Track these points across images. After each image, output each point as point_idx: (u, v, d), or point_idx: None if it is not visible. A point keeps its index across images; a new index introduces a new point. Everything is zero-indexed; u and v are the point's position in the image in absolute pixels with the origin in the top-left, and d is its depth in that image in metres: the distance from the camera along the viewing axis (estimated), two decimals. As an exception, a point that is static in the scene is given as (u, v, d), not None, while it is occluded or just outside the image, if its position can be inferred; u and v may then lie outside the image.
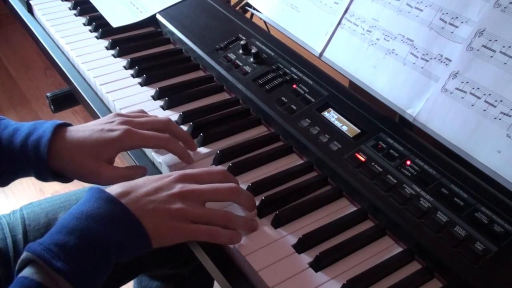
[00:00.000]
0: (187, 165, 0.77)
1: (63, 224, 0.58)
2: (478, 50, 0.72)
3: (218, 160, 0.77)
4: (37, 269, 0.54)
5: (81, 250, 0.56)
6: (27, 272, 0.55)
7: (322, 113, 0.81)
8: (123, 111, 0.87)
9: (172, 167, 0.76)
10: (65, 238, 0.56)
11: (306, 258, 0.65)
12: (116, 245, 0.58)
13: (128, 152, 0.82)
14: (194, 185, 0.65)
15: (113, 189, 0.62)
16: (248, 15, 1.11)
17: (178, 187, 0.64)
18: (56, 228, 0.58)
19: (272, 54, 0.93)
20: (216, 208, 0.66)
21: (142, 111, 0.82)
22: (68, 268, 0.54)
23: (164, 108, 0.89)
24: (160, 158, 0.78)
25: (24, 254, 0.56)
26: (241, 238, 0.65)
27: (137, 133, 0.73)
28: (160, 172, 0.79)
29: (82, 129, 0.73)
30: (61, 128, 0.73)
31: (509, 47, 0.69)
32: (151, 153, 0.80)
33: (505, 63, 0.69)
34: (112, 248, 0.57)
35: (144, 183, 0.64)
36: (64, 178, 0.74)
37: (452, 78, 0.74)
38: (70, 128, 0.74)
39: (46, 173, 0.71)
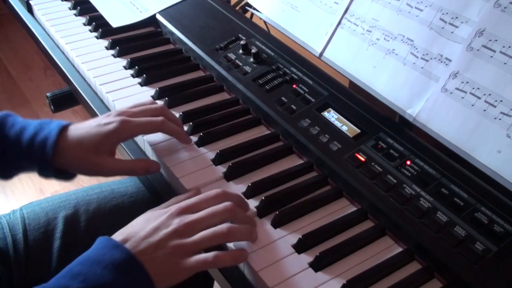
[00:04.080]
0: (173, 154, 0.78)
1: (69, 269, 0.59)
2: (478, 50, 0.72)
3: (218, 161, 0.77)
4: None
5: None
6: None
7: (322, 113, 0.80)
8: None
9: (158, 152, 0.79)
10: (69, 282, 0.57)
11: (306, 258, 0.65)
12: None
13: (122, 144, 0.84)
14: (191, 216, 0.64)
15: (116, 237, 0.63)
16: (248, 15, 1.11)
17: (175, 223, 0.63)
18: (62, 273, 0.59)
19: (272, 54, 0.93)
20: (214, 228, 0.65)
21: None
22: None
23: (164, 108, 0.89)
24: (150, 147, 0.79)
25: None
26: (247, 255, 0.64)
27: (133, 122, 0.75)
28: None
29: (81, 126, 0.76)
30: (64, 128, 0.75)
31: (509, 47, 0.69)
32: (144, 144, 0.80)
33: (505, 63, 0.69)
34: None
35: (143, 226, 0.64)
36: (66, 175, 0.77)
37: (452, 78, 0.74)
38: (71, 127, 0.76)
39: (50, 171, 0.74)
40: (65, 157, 0.74)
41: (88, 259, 0.59)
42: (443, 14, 0.77)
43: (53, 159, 0.73)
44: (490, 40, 0.71)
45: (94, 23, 1.09)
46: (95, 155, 0.73)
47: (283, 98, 0.84)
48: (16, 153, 0.74)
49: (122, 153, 0.86)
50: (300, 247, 0.65)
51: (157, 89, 0.91)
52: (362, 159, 0.73)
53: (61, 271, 0.59)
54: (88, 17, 1.11)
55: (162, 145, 0.81)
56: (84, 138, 0.74)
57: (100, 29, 1.06)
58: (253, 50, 0.91)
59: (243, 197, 0.72)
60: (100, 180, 0.90)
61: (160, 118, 0.77)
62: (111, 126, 0.74)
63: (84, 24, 1.11)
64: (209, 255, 0.62)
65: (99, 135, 0.74)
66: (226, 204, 0.66)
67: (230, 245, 0.66)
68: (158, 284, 0.60)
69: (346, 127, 0.78)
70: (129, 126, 0.75)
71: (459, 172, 0.69)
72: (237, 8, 1.15)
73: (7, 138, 0.75)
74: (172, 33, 1.04)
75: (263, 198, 0.70)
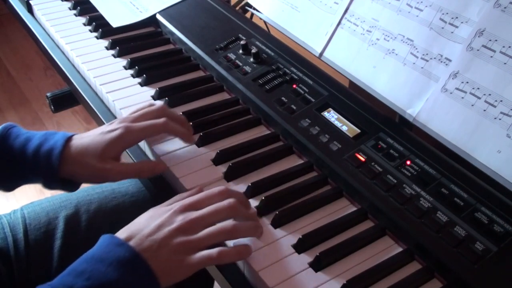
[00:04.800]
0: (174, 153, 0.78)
1: (73, 267, 0.59)
2: (478, 50, 0.72)
3: (218, 161, 0.78)
4: None
5: None
6: None
7: (322, 113, 0.81)
8: (124, 111, 0.87)
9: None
10: (74, 280, 0.57)
11: (306, 258, 0.65)
12: (123, 286, 0.58)
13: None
14: (194, 213, 0.64)
15: (120, 234, 0.63)
16: (248, 15, 1.11)
17: (178, 220, 0.63)
18: (66, 271, 0.59)
19: (272, 54, 0.93)
20: (218, 225, 0.65)
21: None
22: None
23: (164, 108, 0.89)
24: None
25: None
26: (250, 250, 0.65)
27: (135, 127, 0.76)
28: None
29: (85, 135, 0.77)
30: (69, 138, 0.76)
31: (509, 47, 0.69)
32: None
33: (505, 63, 0.69)
34: None
35: (146, 223, 0.64)
36: (71, 186, 0.78)
37: (452, 78, 0.74)
38: (75, 136, 0.77)
39: (55, 182, 0.75)
40: (71, 167, 0.74)
41: (92, 257, 0.59)
42: (443, 14, 0.77)
43: (59, 170, 0.73)
44: (490, 40, 0.71)
45: (94, 23, 1.09)
46: (101, 162, 0.74)
47: (283, 98, 0.84)
48: (21, 164, 0.75)
49: (123, 154, 0.86)
50: (300, 247, 0.65)
51: (157, 89, 0.91)
52: (362, 159, 0.73)
53: (65, 270, 0.59)
54: (88, 17, 1.11)
55: (162, 145, 0.81)
56: (89, 146, 0.74)
57: (100, 29, 1.06)
58: (253, 50, 0.91)
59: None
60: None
61: (162, 120, 0.77)
62: (115, 133, 0.75)
63: (84, 24, 1.11)
64: (213, 251, 0.62)
65: (103, 142, 0.74)
66: (230, 201, 0.66)
67: (229, 243, 0.66)
68: (163, 281, 0.60)
69: (346, 127, 0.78)
70: (133, 132, 0.76)
71: (459, 172, 0.69)
72: (237, 8, 1.15)
73: (12, 150, 0.75)
74: (172, 33, 1.04)
75: (263, 198, 0.71)
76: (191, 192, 0.70)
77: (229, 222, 0.65)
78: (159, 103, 0.84)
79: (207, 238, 0.63)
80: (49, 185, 0.76)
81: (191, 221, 0.63)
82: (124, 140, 0.75)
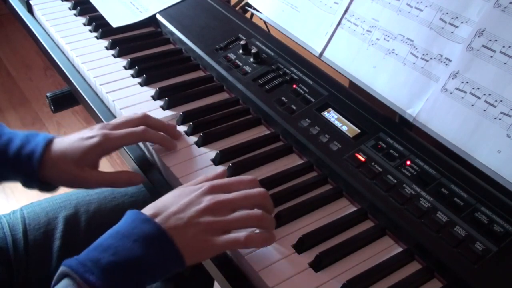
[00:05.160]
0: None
1: (100, 242, 0.59)
2: (478, 50, 0.72)
3: (218, 160, 0.78)
4: (72, 282, 0.56)
5: (115, 267, 0.56)
6: (62, 285, 0.56)
7: (322, 113, 0.81)
8: (124, 111, 0.87)
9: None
10: (100, 255, 0.57)
11: (306, 258, 0.65)
12: (149, 262, 0.58)
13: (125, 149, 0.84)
14: (223, 195, 0.64)
15: (146, 211, 0.63)
16: (248, 15, 1.11)
17: (206, 200, 0.63)
18: (93, 245, 0.59)
19: (272, 54, 0.93)
20: (247, 211, 0.65)
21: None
22: (100, 283, 0.55)
23: (164, 108, 0.89)
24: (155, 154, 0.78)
25: (61, 269, 0.57)
26: (274, 238, 0.65)
27: (114, 134, 0.76)
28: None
29: (65, 140, 0.77)
30: (50, 141, 0.76)
31: (509, 47, 0.69)
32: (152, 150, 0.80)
33: (505, 63, 0.69)
34: (145, 265, 0.58)
35: (174, 201, 0.64)
36: (49, 187, 0.78)
37: (452, 78, 0.74)
38: (56, 139, 0.77)
39: (34, 183, 0.76)
40: (49, 171, 0.75)
41: (118, 232, 0.59)
42: (443, 14, 0.77)
43: (38, 172, 0.74)
44: (490, 40, 0.71)
45: (94, 23, 1.09)
46: (77, 169, 0.74)
47: (283, 98, 0.84)
48: (1, 164, 0.75)
49: (123, 154, 0.86)
50: (300, 247, 0.65)
51: (157, 89, 0.91)
52: (362, 159, 0.73)
53: (90, 246, 0.59)
54: (88, 17, 1.11)
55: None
56: (67, 152, 0.74)
57: (100, 29, 1.06)
58: (253, 50, 0.91)
59: None
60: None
61: (140, 128, 0.77)
62: (93, 140, 0.75)
63: (84, 24, 1.11)
64: (241, 235, 0.62)
65: (81, 149, 0.74)
66: (260, 189, 0.66)
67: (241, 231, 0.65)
68: (188, 260, 0.60)
69: (346, 127, 0.78)
70: (111, 139, 0.75)
71: (459, 172, 0.69)
72: (237, 8, 1.15)
73: None
74: (172, 33, 1.04)
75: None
76: (217, 174, 0.70)
77: (258, 211, 0.65)
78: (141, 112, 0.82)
79: (235, 222, 0.63)
80: (28, 185, 0.77)
81: (220, 202, 0.63)
82: (102, 147, 0.75)
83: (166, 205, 0.63)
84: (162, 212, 0.62)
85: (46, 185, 0.77)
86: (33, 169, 0.74)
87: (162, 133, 0.79)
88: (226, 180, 0.68)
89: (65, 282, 0.56)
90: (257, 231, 0.66)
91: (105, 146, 0.75)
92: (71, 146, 0.75)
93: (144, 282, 0.59)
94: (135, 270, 0.57)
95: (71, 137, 0.77)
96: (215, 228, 0.62)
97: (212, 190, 0.65)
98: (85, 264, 0.56)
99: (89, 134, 0.76)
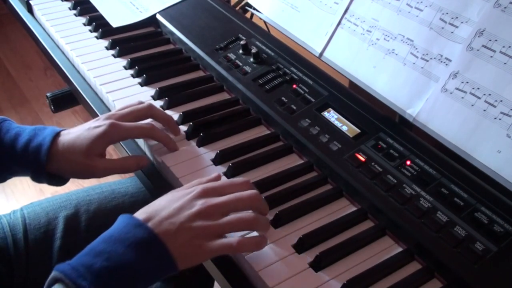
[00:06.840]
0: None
1: (92, 247, 0.59)
2: (478, 50, 0.72)
3: (218, 160, 0.78)
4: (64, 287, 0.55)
5: (107, 272, 0.56)
6: None
7: (322, 113, 0.81)
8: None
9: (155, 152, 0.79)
10: (92, 260, 0.57)
11: (306, 258, 0.65)
12: (141, 267, 0.58)
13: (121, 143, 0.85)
14: (215, 199, 0.64)
15: (138, 215, 0.63)
16: (248, 15, 1.11)
17: (199, 204, 0.63)
18: (85, 250, 0.59)
19: (272, 54, 0.93)
20: (239, 214, 0.65)
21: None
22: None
23: (164, 108, 0.89)
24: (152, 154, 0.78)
25: (53, 273, 0.57)
26: (266, 241, 0.65)
27: (121, 126, 0.76)
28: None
29: (72, 131, 0.77)
30: (58, 134, 0.77)
31: (509, 47, 0.69)
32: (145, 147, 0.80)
33: (505, 63, 0.69)
34: (137, 270, 0.58)
35: (166, 205, 0.63)
36: (59, 180, 0.79)
37: (452, 78, 0.74)
38: (63, 132, 0.78)
39: (43, 176, 0.76)
40: (58, 163, 0.75)
41: (110, 237, 0.59)
42: (443, 14, 0.77)
43: (46, 165, 0.74)
44: (490, 40, 0.71)
45: (94, 23, 1.09)
46: (86, 158, 0.75)
47: (283, 98, 0.84)
48: (10, 158, 0.76)
49: (122, 153, 0.86)
50: (300, 247, 0.65)
51: (157, 89, 0.91)
52: (362, 159, 0.73)
53: (83, 250, 0.59)
54: (88, 17, 1.11)
55: (161, 145, 0.81)
56: (75, 142, 0.75)
57: (100, 29, 1.06)
58: (253, 50, 0.91)
59: None
60: (100, 180, 0.90)
61: (149, 125, 0.78)
62: (100, 129, 0.75)
63: (84, 24, 1.11)
64: (233, 240, 0.62)
65: (88, 138, 0.75)
66: (252, 192, 0.66)
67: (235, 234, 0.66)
68: (181, 265, 0.60)
69: (346, 127, 0.78)
70: (118, 129, 0.76)
71: (459, 172, 0.69)
72: (237, 8, 1.15)
73: (2, 143, 0.76)
74: (172, 33, 1.04)
75: (263, 198, 0.70)
76: (210, 178, 0.70)
77: (250, 214, 0.65)
78: (147, 103, 0.83)
79: (227, 226, 0.63)
80: (37, 179, 0.77)
81: (212, 206, 0.63)
82: (109, 136, 0.76)
83: (159, 209, 0.63)
84: (154, 216, 0.62)
85: (55, 179, 0.78)
86: (41, 162, 0.74)
87: (168, 134, 0.80)
88: (218, 183, 0.67)
89: (57, 287, 0.56)
90: (253, 233, 0.66)
91: (112, 135, 0.76)
92: (78, 136, 0.75)
93: (136, 287, 0.58)
94: (128, 276, 0.57)
95: (78, 128, 0.77)
96: (207, 232, 0.61)
97: (204, 194, 0.64)
98: (78, 269, 0.56)
99: (95, 124, 0.76)
